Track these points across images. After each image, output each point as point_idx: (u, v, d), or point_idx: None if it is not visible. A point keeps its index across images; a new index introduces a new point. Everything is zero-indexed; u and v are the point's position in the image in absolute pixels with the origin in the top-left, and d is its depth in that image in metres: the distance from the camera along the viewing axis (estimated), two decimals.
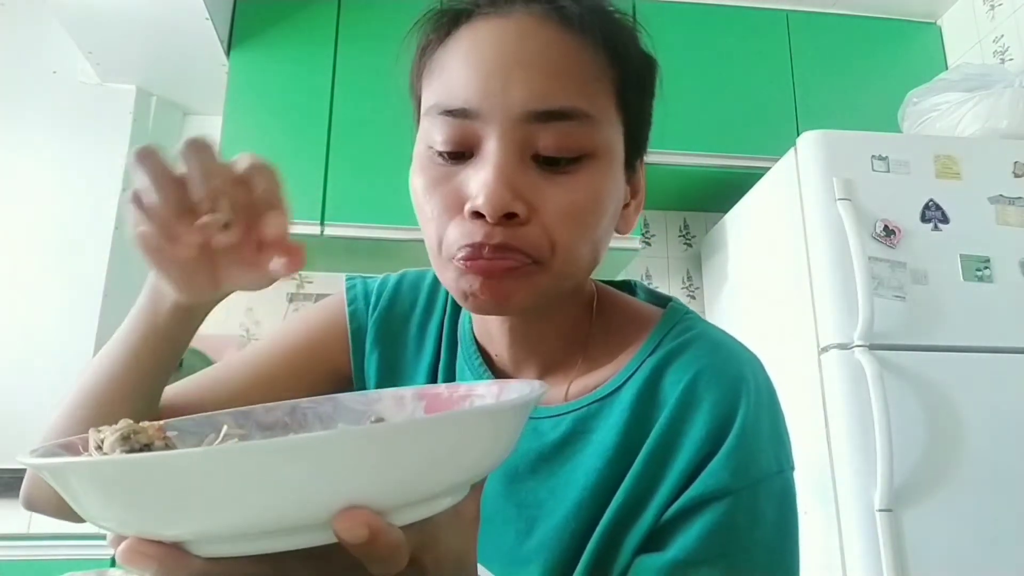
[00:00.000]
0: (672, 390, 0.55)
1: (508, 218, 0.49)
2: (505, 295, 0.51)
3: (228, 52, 2.27)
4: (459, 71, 0.52)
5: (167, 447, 0.34)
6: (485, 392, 0.45)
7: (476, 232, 0.50)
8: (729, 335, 0.61)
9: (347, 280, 0.72)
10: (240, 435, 0.43)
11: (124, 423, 0.34)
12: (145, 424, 0.35)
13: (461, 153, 0.52)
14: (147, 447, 0.33)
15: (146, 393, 0.56)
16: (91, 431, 0.35)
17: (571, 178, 0.51)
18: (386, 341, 0.68)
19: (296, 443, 0.28)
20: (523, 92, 0.50)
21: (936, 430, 1.60)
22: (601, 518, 0.55)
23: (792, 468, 0.56)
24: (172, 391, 0.62)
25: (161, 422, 0.38)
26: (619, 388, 0.58)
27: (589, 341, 0.62)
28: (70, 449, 0.36)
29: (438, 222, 0.52)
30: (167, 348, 0.54)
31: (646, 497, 0.54)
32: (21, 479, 0.57)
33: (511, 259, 0.50)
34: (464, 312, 0.68)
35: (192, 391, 0.64)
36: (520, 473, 0.59)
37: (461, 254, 0.51)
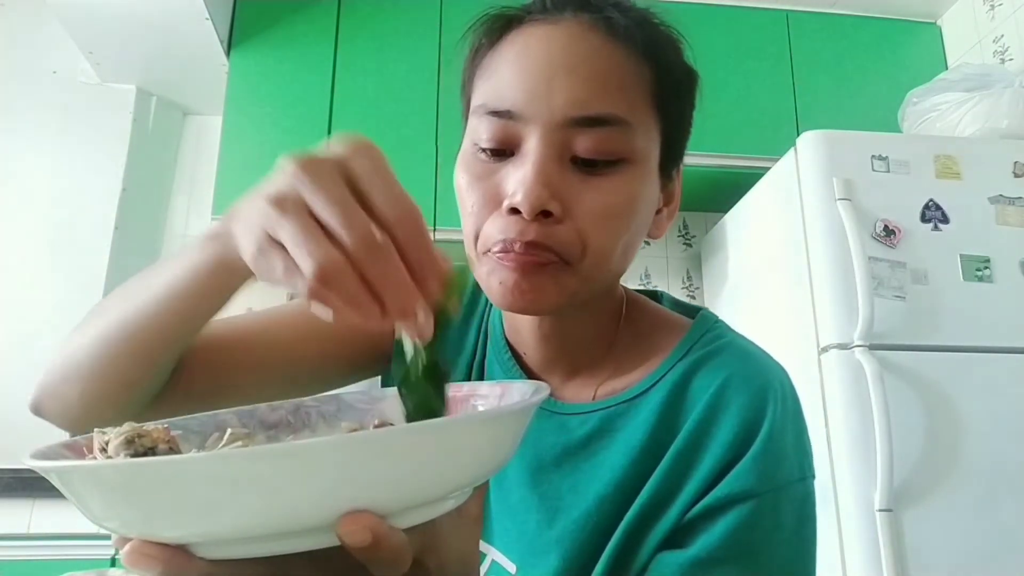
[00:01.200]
0: (701, 394, 0.57)
1: (544, 216, 0.51)
2: (534, 293, 0.53)
3: (228, 52, 2.27)
4: (507, 74, 0.54)
5: (171, 450, 0.34)
6: (488, 393, 0.45)
7: (512, 227, 0.51)
8: (757, 345, 0.63)
9: None
10: (244, 434, 0.43)
11: (128, 426, 0.34)
12: (149, 427, 0.35)
13: (503, 151, 0.54)
14: (151, 450, 0.33)
15: (183, 340, 0.54)
16: (95, 432, 0.35)
17: (606, 181, 0.53)
18: None
19: (299, 449, 0.28)
20: (565, 97, 0.52)
21: (936, 430, 1.60)
22: (623, 514, 0.56)
23: (814, 477, 0.57)
24: (221, 325, 0.62)
25: (165, 422, 0.38)
26: (648, 390, 0.59)
27: (618, 345, 0.63)
28: (74, 450, 0.36)
29: (477, 216, 0.54)
30: (220, 307, 0.50)
31: (670, 496, 0.55)
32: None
33: (542, 257, 0.52)
34: (496, 310, 0.69)
35: (241, 329, 0.64)
36: (545, 465, 0.60)
37: (496, 248, 0.52)
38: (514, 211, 0.51)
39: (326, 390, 0.64)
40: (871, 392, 1.56)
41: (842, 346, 1.65)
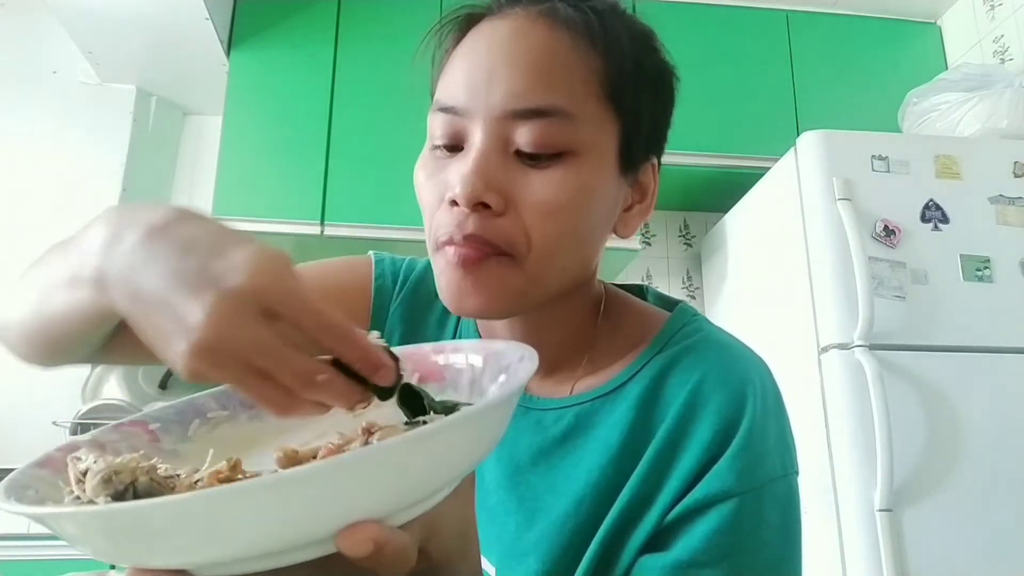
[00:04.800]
0: (678, 391, 0.56)
1: (484, 208, 0.51)
2: (478, 295, 0.52)
3: (228, 52, 2.27)
4: (456, 71, 0.55)
5: (151, 480, 0.33)
6: (472, 352, 0.44)
7: (452, 220, 0.52)
8: (736, 338, 0.61)
9: (375, 254, 0.73)
10: (225, 416, 0.43)
11: (102, 464, 0.32)
12: (126, 459, 0.33)
13: (455, 147, 0.54)
14: (131, 485, 0.32)
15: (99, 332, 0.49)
16: (70, 459, 0.33)
17: (549, 173, 0.52)
18: (408, 321, 0.69)
19: (287, 478, 0.27)
20: (504, 90, 0.52)
21: (936, 430, 1.60)
22: (602, 516, 0.55)
23: (797, 472, 0.56)
24: None
25: (142, 414, 0.38)
26: (623, 385, 0.58)
27: (596, 341, 0.62)
28: (49, 467, 0.34)
29: (430, 211, 0.55)
30: (107, 322, 0.45)
31: (650, 498, 0.54)
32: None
33: (480, 251, 0.51)
34: None
35: None
36: (522, 465, 0.60)
37: (442, 240, 0.53)
38: (454, 203, 0.51)
39: None
40: (871, 392, 1.55)
41: (842, 346, 1.65)
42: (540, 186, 0.52)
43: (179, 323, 0.33)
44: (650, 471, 0.54)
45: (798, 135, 1.89)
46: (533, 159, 0.52)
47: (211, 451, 0.37)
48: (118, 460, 0.33)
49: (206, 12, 2.09)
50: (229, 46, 2.28)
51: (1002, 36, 2.31)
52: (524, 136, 0.51)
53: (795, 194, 1.86)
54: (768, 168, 2.05)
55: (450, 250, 0.52)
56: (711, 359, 0.57)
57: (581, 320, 0.62)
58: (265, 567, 0.29)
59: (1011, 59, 2.26)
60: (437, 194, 0.54)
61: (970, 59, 2.39)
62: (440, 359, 0.46)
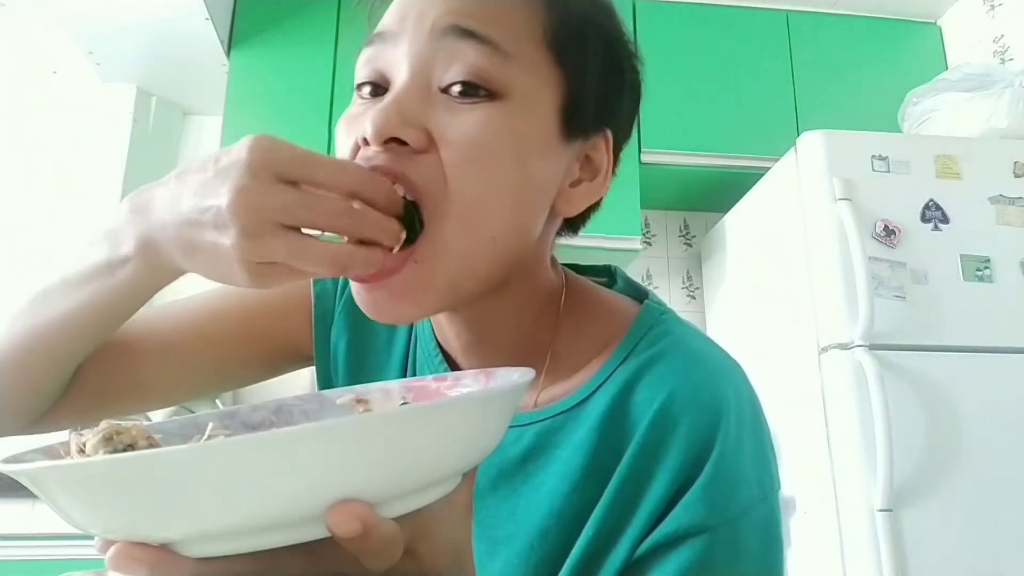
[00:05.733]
0: (645, 409, 0.50)
1: (399, 144, 0.45)
2: (396, 298, 0.46)
3: (228, 52, 2.27)
4: (388, 10, 0.50)
5: (151, 447, 0.33)
6: (472, 383, 0.45)
7: (360, 159, 0.46)
8: (708, 340, 0.57)
9: None
10: (226, 435, 0.43)
11: (106, 424, 0.33)
12: (128, 424, 0.34)
13: (377, 85, 0.49)
14: (130, 447, 0.32)
15: (100, 341, 0.54)
16: (72, 434, 0.34)
17: (474, 111, 0.46)
18: (356, 328, 0.64)
19: (284, 437, 0.27)
20: (441, 8, 0.47)
21: (936, 430, 1.60)
22: (568, 548, 0.51)
23: (777, 489, 0.52)
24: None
25: (144, 425, 0.38)
26: (586, 399, 0.53)
27: (556, 340, 0.56)
28: (51, 454, 0.35)
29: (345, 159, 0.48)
30: (137, 306, 0.50)
31: (618, 529, 0.49)
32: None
33: (395, 260, 0.45)
34: None
35: (142, 325, 0.60)
36: (481, 490, 0.55)
37: None
38: (366, 143, 0.45)
39: (233, 388, 0.67)
40: (871, 392, 1.55)
41: (842, 346, 1.65)
42: (464, 124, 0.45)
43: (216, 221, 0.38)
44: (616, 501, 0.50)
45: (798, 135, 1.89)
46: (460, 96, 0.46)
47: (210, 424, 0.38)
48: (120, 423, 0.34)
49: (206, 12, 2.09)
50: (229, 46, 2.28)
51: (1002, 36, 2.31)
52: (452, 66, 0.46)
53: (795, 194, 1.86)
54: (768, 168, 2.05)
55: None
56: (680, 371, 0.51)
57: (538, 311, 0.56)
58: (253, 546, 0.29)
59: (1011, 59, 2.26)
60: (352, 143, 0.47)
61: (970, 59, 2.39)
62: (442, 387, 0.46)
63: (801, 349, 1.78)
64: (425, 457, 0.31)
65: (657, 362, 0.52)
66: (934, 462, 1.58)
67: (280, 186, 0.37)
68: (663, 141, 2.22)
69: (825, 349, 1.69)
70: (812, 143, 1.82)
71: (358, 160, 0.46)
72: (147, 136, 2.46)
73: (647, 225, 2.60)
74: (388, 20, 0.49)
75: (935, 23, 2.57)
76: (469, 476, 0.39)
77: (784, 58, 2.42)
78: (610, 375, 0.53)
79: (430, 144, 0.45)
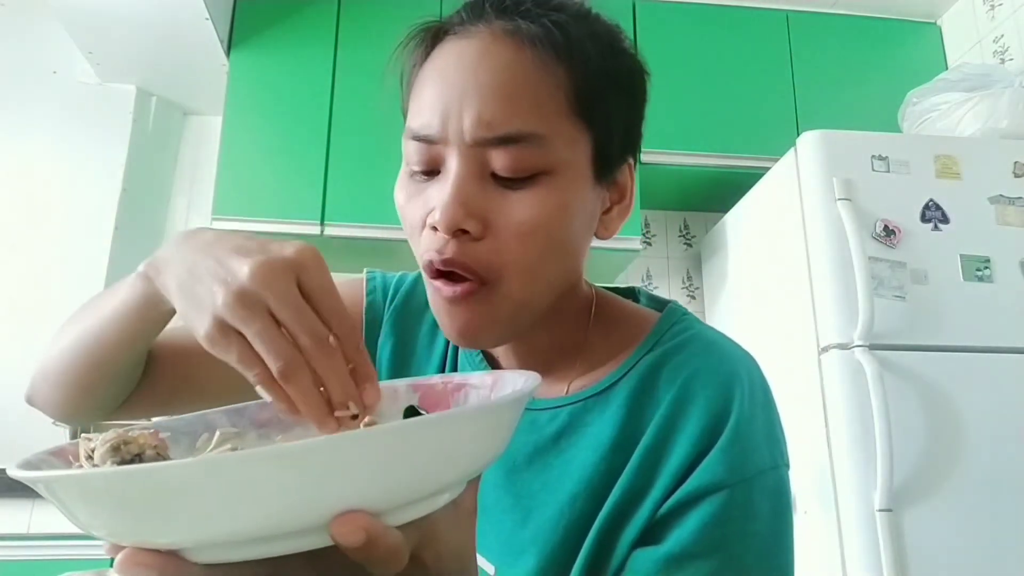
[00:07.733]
0: (668, 388, 0.57)
1: (462, 234, 0.52)
2: (468, 326, 0.55)
3: (228, 52, 2.27)
4: (427, 97, 0.55)
5: (159, 455, 0.34)
6: (479, 383, 0.45)
7: (433, 244, 0.53)
8: (724, 336, 0.63)
9: (368, 272, 0.76)
10: (234, 434, 0.43)
11: (113, 433, 0.33)
12: (136, 432, 0.34)
13: (432, 171, 0.55)
14: (138, 456, 0.33)
15: (130, 357, 0.60)
16: (81, 439, 0.34)
17: (526, 195, 0.53)
18: (400, 330, 0.71)
19: (289, 451, 0.27)
20: (474, 118, 0.52)
21: (936, 430, 1.60)
22: (596, 512, 0.56)
23: (787, 465, 0.58)
24: (164, 336, 0.63)
25: (152, 422, 0.38)
26: (615, 384, 0.60)
27: (589, 343, 0.63)
28: (61, 457, 0.35)
29: (413, 234, 0.56)
30: (140, 326, 0.56)
31: (642, 493, 0.55)
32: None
33: (460, 284, 0.53)
34: None
35: (186, 339, 0.65)
36: (517, 465, 0.61)
37: (425, 267, 0.55)
38: (435, 228, 0.53)
39: None
40: (871, 392, 1.55)
41: (842, 346, 1.65)
42: (517, 209, 0.53)
43: (225, 276, 0.40)
44: (641, 466, 0.55)
45: (798, 135, 1.89)
46: (509, 182, 0.53)
47: (218, 431, 0.38)
48: (129, 431, 0.34)
49: (206, 12, 2.09)
50: (229, 46, 2.28)
51: (1002, 36, 2.31)
52: (500, 161, 0.52)
53: (795, 194, 1.86)
54: (768, 168, 2.05)
55: (434, 274, 0.54)
56: (699, 356, 0.59)
57: (572, 324, 0.64)
58: (260, 554, 0.29)
59: (1011, 59, 2.27)
60: (419, 217, 0.55)
61: (970, 59, 2.39)
62: (449, 387, 0.46)
63: (801, 349, 1.78)
64: (430, 468, 0.31)
65: (680, 351, 0.59)
66: (934, 462, 1.58)
67: (295, 288, 0.40)
68: (663, 141, 2.22)
69: (825, 349, 1.69)
70: (812, 143, 1.82)
71: (431, 245, 0.53)
72: (147, 136, 2.46)
73: (647, 225, 2.60)
74: (430, 124, 0.54)
75: (935, 23, 2.57)
76: (474, 481, 0.40)
77: (784, 58, 2.42)
78: (636, 363, 0.60)
79: (487, 230, 0.53)
